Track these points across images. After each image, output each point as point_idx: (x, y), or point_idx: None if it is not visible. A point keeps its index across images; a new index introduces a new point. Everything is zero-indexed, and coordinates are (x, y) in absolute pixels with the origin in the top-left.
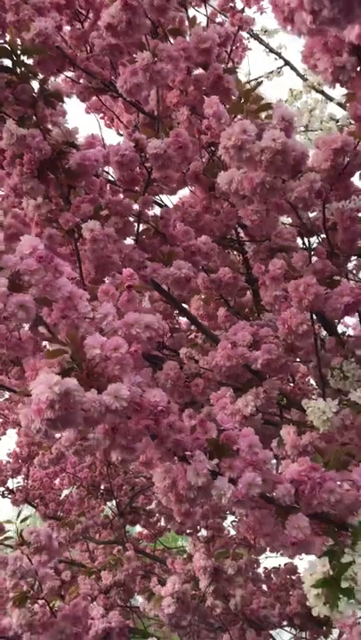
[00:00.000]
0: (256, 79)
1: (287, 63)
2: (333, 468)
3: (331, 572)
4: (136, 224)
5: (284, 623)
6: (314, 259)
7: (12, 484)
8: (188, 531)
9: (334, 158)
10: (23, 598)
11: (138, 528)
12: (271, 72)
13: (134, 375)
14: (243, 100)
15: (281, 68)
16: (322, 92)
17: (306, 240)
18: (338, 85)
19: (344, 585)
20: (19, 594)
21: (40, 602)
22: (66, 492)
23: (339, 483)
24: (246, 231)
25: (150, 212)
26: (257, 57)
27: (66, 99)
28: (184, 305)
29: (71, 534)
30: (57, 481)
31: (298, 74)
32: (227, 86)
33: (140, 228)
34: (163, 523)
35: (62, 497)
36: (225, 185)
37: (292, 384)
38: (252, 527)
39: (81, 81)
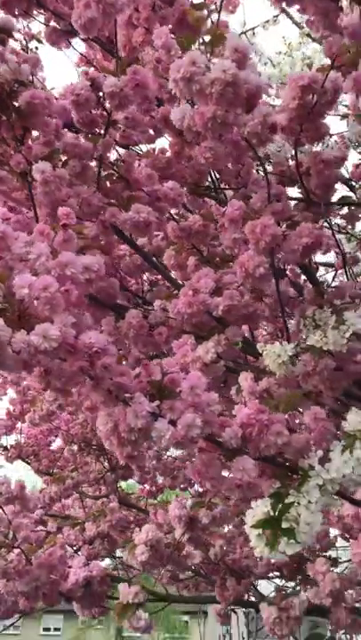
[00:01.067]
0: (252, 29)
1: (283, 11)
2: (285, 412)
3: (272, 513)
4: (97, 169)
5: (273, 574)
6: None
7: (6, 441)
8: (181, 485)
9: (302, 96)
10: None
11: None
12: (267, 21)
13: (68, 316)
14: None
15: (277, 16)
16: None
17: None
18: None
19: (285, 525)
20: None
21: (16, 550)
22: (56, 446)
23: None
24: (223, 178)
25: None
26: (253, 5)
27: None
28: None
29: (62, 489)
30: (52, 438)
31: (294, 22)
32: (193, 23)
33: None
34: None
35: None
36: (177, 121)
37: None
38: (198, 470)
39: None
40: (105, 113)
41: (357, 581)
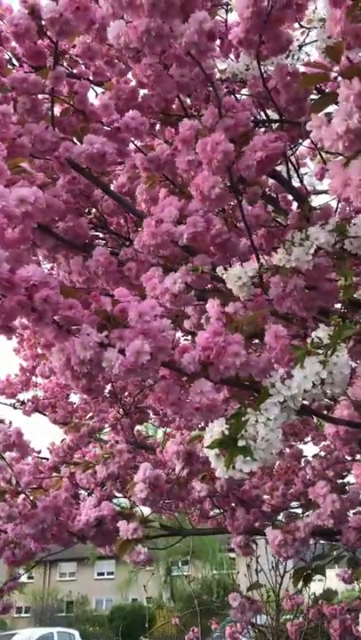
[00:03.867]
0: None
1: None
2: (247, 334)
3: (228, 433)
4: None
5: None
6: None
7: (23, 397)
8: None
9: (255, 3)
10: (1, 493)
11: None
12: None
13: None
14: None
15: None
16: None
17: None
18: None
19: (241, 444)
20: None
21: (21, 495)
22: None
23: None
24: (193, 103)
25: None
26: None
27: None
28: None
29: (78, 437)
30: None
31: None
32: None
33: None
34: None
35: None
36: (114, 39)
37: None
38: (158, 397)
39: None
40: (52, 43)
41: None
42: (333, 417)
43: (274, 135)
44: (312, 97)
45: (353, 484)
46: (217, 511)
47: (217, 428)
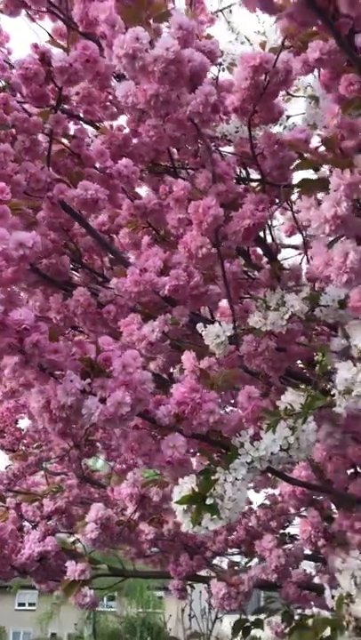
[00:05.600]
0: (228, 6)
1: None
2: (221, 391)
3: (197, 490)
4: (48, 144)
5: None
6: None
7: None
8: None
9: (253, 76)
10: None
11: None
12: None
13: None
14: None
15: None
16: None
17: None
18: None
19: (209, 502)
20: None
21: None
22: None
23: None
24: (181, 157)
25: None
26: None
27: None
28: None
29: (24, 465)
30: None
31: None
32: None
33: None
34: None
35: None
36: (122, 98)
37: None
38: (131, 447)
39: None
40: (56, 87)
41: (304, 556)
42: (291, 477)
43: (258, 198)
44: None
45: (294, 535)
46: (154, 549)
47: (187, 485)
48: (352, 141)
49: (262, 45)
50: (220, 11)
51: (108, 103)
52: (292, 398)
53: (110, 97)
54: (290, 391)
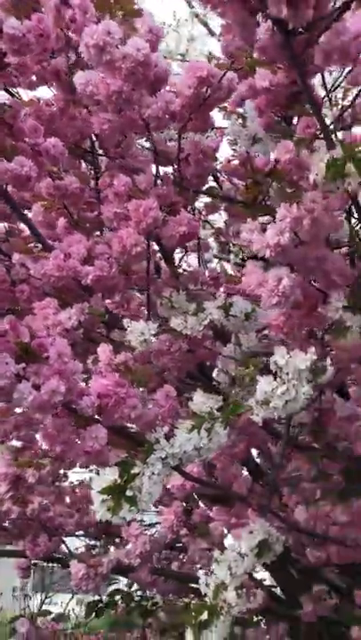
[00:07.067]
0: None
1: None
2: (140, 387)
3: (118, 481)
4: None
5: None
6: None
7: None
8: None
9: (197, 86)
10: None
11: None
12: None
13: None
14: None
15: None
16: (205, 24)
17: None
18: None
19: (129, 493)
20: None
21: None
22: None
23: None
24: (102, 145)
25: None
26: None
27: None
28: None
29: None
30: None
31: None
32: None
33: None
34: None
35: None
36: (81, 85)
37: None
38: (49, 434)
39: None
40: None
41: (165, 544)
42: (185, 472)
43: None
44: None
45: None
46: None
47: (109, 476)
48: (299, 176)
49: (209, 59)
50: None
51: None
52: (201, 400)
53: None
54: (199, 392)
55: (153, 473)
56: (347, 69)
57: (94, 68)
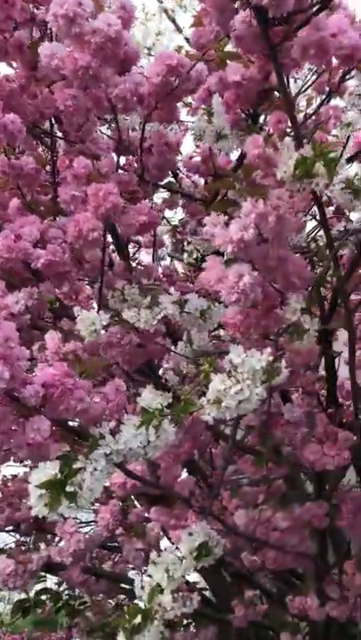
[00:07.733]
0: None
1: None
2: (88, 379)
3: (59, 476)
4: None
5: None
6: None
7: None
8: None
9: (166, 74)
10: None
11: None
12: None
13: None
14: None
15: None
16: (173, 21)
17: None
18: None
19: (69, 489)
20: None
21: None
22: None
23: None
24: (62, 128)
25: None
26: None
27: None
28: None
29: None
30: None
31: None
32: None
33: None
34: None
35: None
36: (46, 57)
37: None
38: None
39: None
40: None
41: (100, 543)
42: (128, 470)
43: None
44: None
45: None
46: None
47: (48, 470)
48: (266, 173)
49: (178, 50)
50: None
51: None
52: (151, 396)
53: None
54: (149, 388)
55: (96, 469)
56: (312, 78)
57: (61, 41)
